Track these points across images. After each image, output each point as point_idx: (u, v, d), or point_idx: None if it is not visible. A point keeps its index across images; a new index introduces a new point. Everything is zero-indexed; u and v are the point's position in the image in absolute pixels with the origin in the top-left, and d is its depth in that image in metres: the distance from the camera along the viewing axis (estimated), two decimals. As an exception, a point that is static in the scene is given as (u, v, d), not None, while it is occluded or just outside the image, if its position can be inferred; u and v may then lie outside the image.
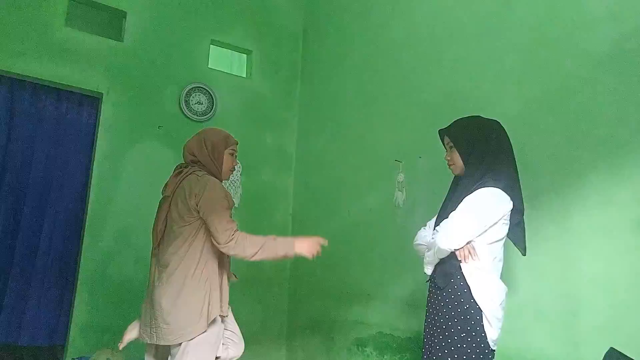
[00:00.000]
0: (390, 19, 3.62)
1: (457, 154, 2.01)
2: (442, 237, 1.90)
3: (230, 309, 2.29)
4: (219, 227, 2.03)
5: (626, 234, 2.04)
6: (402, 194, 3.24)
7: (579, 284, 2.18)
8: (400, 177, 3.26)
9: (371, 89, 3.71)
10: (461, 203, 1.90)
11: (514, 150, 2.01)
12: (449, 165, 2.08)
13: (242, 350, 2.31)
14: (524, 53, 2.58)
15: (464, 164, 1.99)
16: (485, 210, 1.86)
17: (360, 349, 3.41)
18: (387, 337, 3.21)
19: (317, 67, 4.51)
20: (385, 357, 3.20)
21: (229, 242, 2.02)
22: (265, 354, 4.10)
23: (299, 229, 4.36)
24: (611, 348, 1.85)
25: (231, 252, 2.05)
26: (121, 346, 2.25)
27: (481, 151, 1.94)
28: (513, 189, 1.93)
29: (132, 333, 2.24)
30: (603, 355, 1.84)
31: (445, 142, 2.10)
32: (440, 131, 2.13)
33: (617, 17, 2.18)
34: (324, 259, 3.96)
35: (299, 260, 4.27)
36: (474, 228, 1.85)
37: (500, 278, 1.93)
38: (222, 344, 2.20)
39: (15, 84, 3.50)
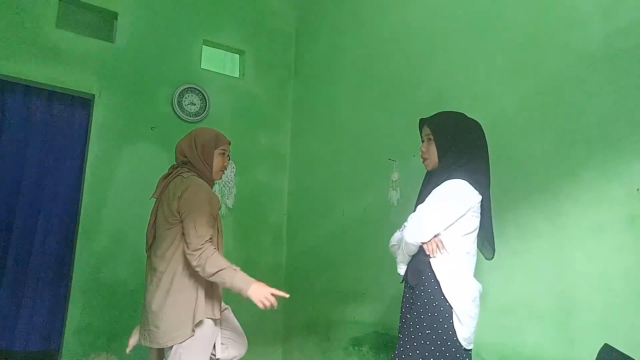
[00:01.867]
0: (382, 18, 3.62)
1: (434, 148, 1.96)
2: (408, 231, 1.85)
3: (229, 309, 2.28)
4: (192, 231, 1.99)
5: (620, 231, 2.04)
6: (397, 192, 3.24)
7: (573, 281, 2.18)
8: (395, 176, 3.26)
9: (364, 88, 3.71)
10: (429, 195, 1.87)
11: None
12: (423, 159, 2.03)
13: (245, 350, 2.29)
14: (515, 51, 2.59)
15: (438, 159, 1.95)
16: (452, 200, 1.82)
17: (356, 348, 3.41)
18: (383, 336, 3.21)
19: (310, 67, 4.50)
20: (381, 356, 3.20)
21: (195, 251, 1.97)
22: (262, 355, 4.08)
23: (294, 229, 4.36)
24: (605, 344, 1.86)
25: (194, 262, 1.98)
26: (128, 350, 2.23)
27: (459, 150, 1.90)
28: (482, 187, 1.89)
29: (135, 337, 2.23)
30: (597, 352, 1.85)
31: (424, 133, 2.04)
32: (421, 120, 2.08)
33: (608, 14, 2.19)
34: (319, 259, 3.99)
35: (294, 260, 4.29)
36: (441, 219, 1.81)
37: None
38: (222, 343, 2.19)
39: (6, 86, 3.48)
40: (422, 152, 2.03)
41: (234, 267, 2.02)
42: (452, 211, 1.82)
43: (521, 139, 2.45)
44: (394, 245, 2.07)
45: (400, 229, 2.09)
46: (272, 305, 2.01)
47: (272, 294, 2.01)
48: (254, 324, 4.14)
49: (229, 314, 2.27)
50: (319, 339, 3.80)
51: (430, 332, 1.75)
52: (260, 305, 1.99)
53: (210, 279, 1.99)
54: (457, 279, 1.80)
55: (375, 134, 3.53)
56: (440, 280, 1.79)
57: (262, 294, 1.99)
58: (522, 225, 2.35)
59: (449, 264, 1.81)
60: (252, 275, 4.14)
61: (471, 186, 1.85)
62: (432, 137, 1.98)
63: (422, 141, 2.07)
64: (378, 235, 3.37)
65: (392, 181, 3.27)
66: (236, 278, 1.98)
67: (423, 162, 2.05)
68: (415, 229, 1.83)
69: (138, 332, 2.22)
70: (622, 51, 2.12)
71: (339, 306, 3.63)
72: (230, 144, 2.34)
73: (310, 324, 3.93)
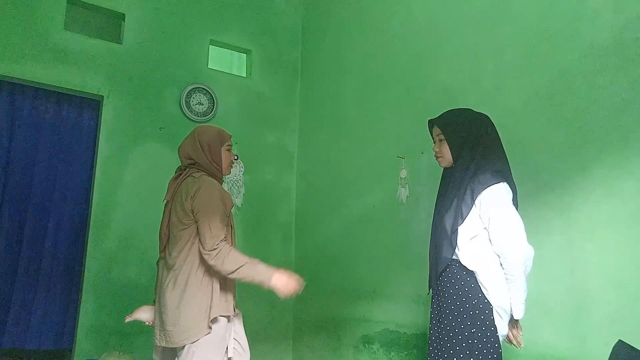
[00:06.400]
0: (389, 15, 3.61)
1: (447, 146, 1.99)
2: (521, 247, 1.84)
3: (240, 315, 2.27)
4: (207, 232, 2.02)
5: (631, 226, 2.03)
6: (405, 190, 3.23)
7: (585, 277, 2.17)
8: (403, 173, 3.26)
9: (371, 85, 3.70)
10: (491, 208, 1.83)
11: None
12: (437, 158, 2.05)
13: None
14: (524, 46, 2.57)
15: (452, 156, 1.97)
16: (514, 210, 1.87)
17: (366, 346, 3.41)
18: (394, 334, 3.20)
19: (317, 65, 4.50)
20: (392, 354, 3.19)
21: (212, 251, 2.00)
22: (272, 353, 4.10)
23: (303, 227, 4.36)
24: (619, 341, 1.84)
25: (211, 262, 2.01)
26: (127, 319, 2.28)
27: (471, 145, 1.92)
28: (512, 184, 1.93)
29: (142, 314, 2.27)
30: (611, 348, 1.83)
31: (435, 134, 2.07)
32: (430, 121, 2.10)
33: (618, 7, 2.17)
34: (329, 257, 3.99)
35: (303, 258, 4.29)
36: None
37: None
38: (233, 348, 2.18)
39: (16, 89, 3.50)
40: (436, 152, 2.05)
41: (253, 260, 2.05)
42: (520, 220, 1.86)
43: (531, 134, 2.43)
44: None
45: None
46: (295, 291, 2.04)
47: (294, 281, 2.06)
48: (264, 321, 4.17)
49: (239, 323, 2.26)
50: (329, 337, 3.80)
51: (474, 330, 1.78)
52: (283, 295, 2.02)
53: (231, 276, 2.03)
54: (495, 276, 1.83)
55: (383, 131, 3.52)
56: (481, 280, 1.82)
57: (284, 282, 2.03)
58: (533, 220, 2.33)
59: (487, 263, 1.84)
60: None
61: (509, 187, 1.88)
62: (443, 137, 2.00)
63: (434, 142, 2.07)
64: (387, 233, 3.37)
65: (401, 178, 3.26)
66: (256, 272, 2.03)
67: (437, 159, 2.06)
68: (523, 240, 1.85)
69: (145, 311, 2.25)
70: (632, 44, 2.10)
71: (349, 304, 3.63)
72: (231, 137, 2.34)
73: (320, 322, 3.93)
